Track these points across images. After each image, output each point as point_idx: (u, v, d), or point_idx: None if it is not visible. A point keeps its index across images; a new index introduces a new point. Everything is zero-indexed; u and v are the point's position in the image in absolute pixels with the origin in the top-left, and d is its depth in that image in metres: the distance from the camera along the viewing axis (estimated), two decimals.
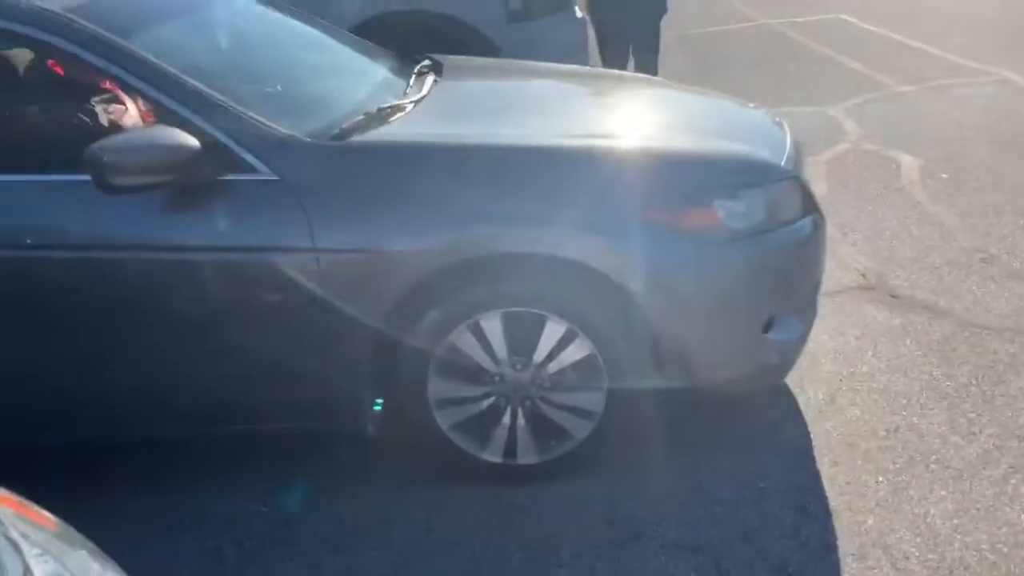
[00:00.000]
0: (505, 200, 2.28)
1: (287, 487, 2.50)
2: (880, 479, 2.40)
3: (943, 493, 2.32)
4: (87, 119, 2.60)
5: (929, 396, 2.74)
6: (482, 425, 2.40)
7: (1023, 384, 2.76)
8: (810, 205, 2.53)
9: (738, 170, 2.43)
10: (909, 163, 4.79)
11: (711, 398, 2.56)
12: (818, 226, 2.53)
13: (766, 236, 2.39)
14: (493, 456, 2.43)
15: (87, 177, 2.11)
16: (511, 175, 2.31)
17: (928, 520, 2.23)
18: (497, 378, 2.35)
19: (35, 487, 2.50)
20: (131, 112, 2.70)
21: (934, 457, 2.46)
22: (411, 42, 3.68)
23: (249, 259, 2.25)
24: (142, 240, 2.27)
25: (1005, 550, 2.12)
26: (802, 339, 2.56)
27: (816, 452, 2.53)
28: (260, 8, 3.28)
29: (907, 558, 2.12)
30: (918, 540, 2.17)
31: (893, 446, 2.52)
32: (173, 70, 2.29)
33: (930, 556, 2.12)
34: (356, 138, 2.37)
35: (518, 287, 2.31)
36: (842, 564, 2.12)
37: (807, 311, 2.59)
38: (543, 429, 2.40)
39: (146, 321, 2.30)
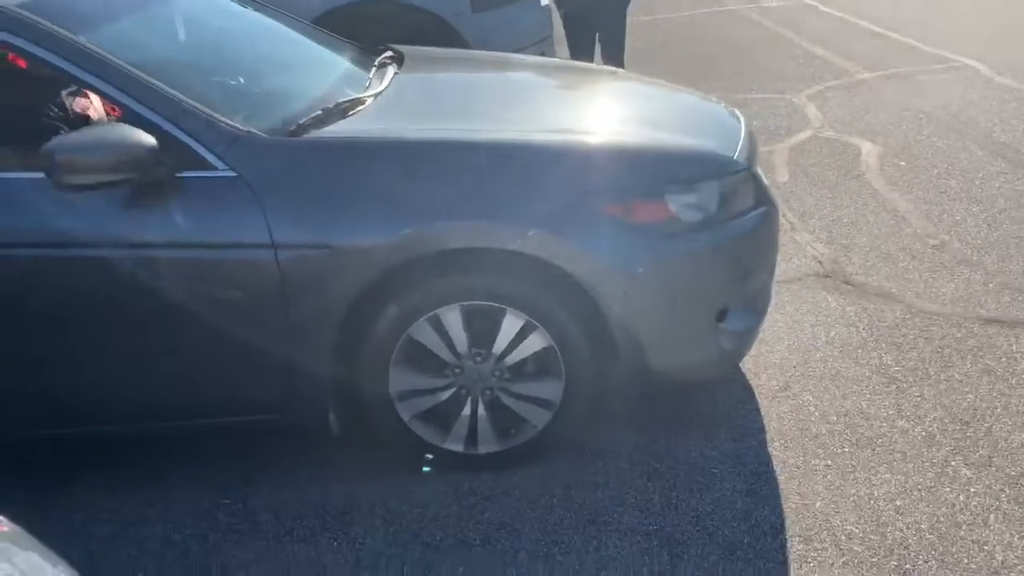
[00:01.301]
0: (460, 195, 2.31)
1: (250, 479, 2.54)
2: (828, 463, 2.48)
3: (887, 475, 2.41)
4: (45, 117, 2.59)
5: (879, 381, 2.82)
6: (443, 415, 2.45)
7: (968, 368, 2.85)
8: (763, 197, 2.59)
9: (690, 163, 2.49)
10: (868, 150, 4.88)
11: (667, 386, 2.63)
12: (771, 217, 2.60)
13: (719, 228, 2.44)
14: (455, 445, 2.48)
15: (42, 175, 2.12)
16: (466, 170, 2.35)
17: (872, 502, 2.32)
18: (457, 370, 2.40)
19: None
20: (96, 108, 2.70)
21: (880, 440, 2.55)
22: (377, 32, 3.70)
23: (208, 255, 2.27)
24: (101, 237, 2.27)
25: (943, 530, 2.21)
26: (756, 328, 2.63)
27: (769, 437, 2.60)
28: (222, 2, 3.27)
29: (850, 539, 2.20)
30: (861, 521, 2.26)
31: (842, 430, 2.60)
32: (128, 66, 2.30)
33: (872, 537, 2.20)
34: (313, 134, 2.39)
35: (476, 281, 2.36)
36: (789, 546, 2.20)
37: (761, 300, 2.66)
38: (503, 419, 2.46)
39: (106, 318, 2.32)
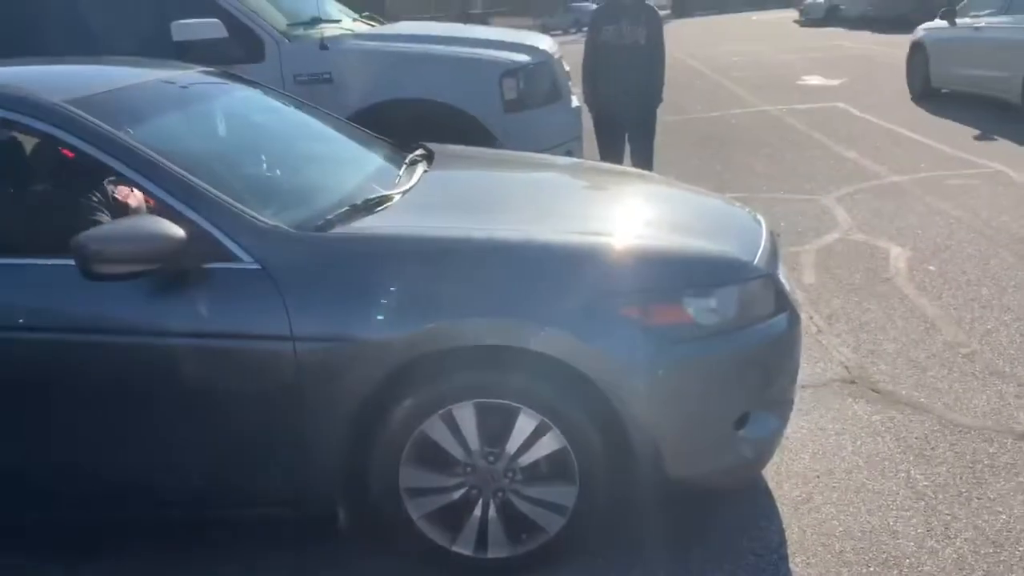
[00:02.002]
0: (479, 293, 2.33)
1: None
2: None
3: None
4: (87, 202, 2.71)
5: (906, 496, 2.73)
6: (453, 516, 2.41)
7: (1001, 486, 2.75)
8: (784, 302, 2.58)
9: (708, 268, 2.49)
10: (897, 254, 4.86)
11: (685, 494, 2.56)
12: (792, 323, 2.57)
13: (738, 333, 2.42)
14: (464, 548, 2.43)
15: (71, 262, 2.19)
16: (484, 267, 2.38)
17: None
18: (469, 469, 2.37)
19: None
20: (136, 196, 2.82)
21: (908, 561, 2.44)
22: (413, 130, 3.82)
23: (229, 346, 2.30)
24: (125, 325, 2.32)
25: None
26: (777, 435, 2.57)
27: (790, 551, 2.51)
28: (259, 97, 3.42)
29: None
30: None
31: (867, 547, 2.50)
32: (163, 160, 2.39)
33: None
34: (338, 229, 2.45)
35: (491, 379, 2.35)
36: None
37: (783, 407, 2.61)
38: (515, 522, 2.40)
39: (126, 405, 2.34)
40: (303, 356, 2.26)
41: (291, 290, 2.28)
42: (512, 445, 2.35)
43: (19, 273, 2.38)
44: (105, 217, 2.62)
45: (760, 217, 2.99)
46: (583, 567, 2.46)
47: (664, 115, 5.69)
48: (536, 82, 4.97)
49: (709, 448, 2.45)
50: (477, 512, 2.39)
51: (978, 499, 2.69)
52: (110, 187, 2.80)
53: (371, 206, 2.62)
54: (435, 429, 2.34)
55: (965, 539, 2.52)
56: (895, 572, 2.40)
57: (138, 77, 3.03)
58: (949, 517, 2.62)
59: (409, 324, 2.29)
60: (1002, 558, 2.44)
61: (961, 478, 2.80)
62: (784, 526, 2.62)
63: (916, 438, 3.04)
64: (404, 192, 2.79)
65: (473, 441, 2.35)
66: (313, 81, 4.69)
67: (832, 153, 7.48)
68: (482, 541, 2.42)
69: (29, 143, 2.95)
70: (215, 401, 2.32)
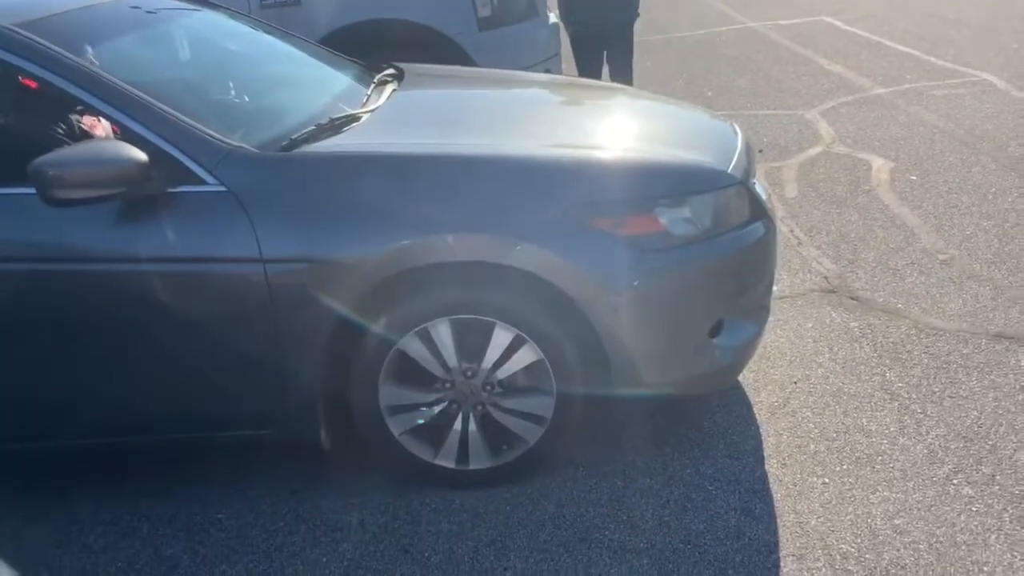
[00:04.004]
0: (449, 209, 2.31)
1: (244, 494, 2.54)
2: (826, 481, 2.43)
3: (886, 494, 2.36)
4: (52, 134, 2.64)
5: (881, 398, 2.77)
6: (434, 431, 2.44)
7: (973, 385, 2.79)
8: (759, 210, 2.57)
9: (681, 177, 2.47)
10: (880, 166, 4.83)
11: (661, 401, 2.60)
12: (767, 230, 2.57)
13: (712, 242, 2.42)
14: (446, 461, 2.47)
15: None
16: (455, 184, 2.35)
17: (869, 521, 2.26)
18: (448, 384, 2.39)
19: None
20: (103, 126, 2.75)
21: (880, 458, 2.50)
22: (383, 50, 3.73)
23: (198, 270, 2.28)
24: (92, 252, 2.29)
25: (942, 550, 2.15)
26: (753, 342, 2.59)
27: (766, 454, 2.56)
28: (222, 20, 3.32)
29: (845, 558, 2.15)
30: (857, 540, 2.20)
31: (841, 447, 2.55)
32: (120, 83, 2.33)
33: (868, 556, 2.15)
34: (304, 149, 2.41)
35: (465, 295, 2.35)
36: (782, 565, 2.15)
37: (759, 313, 2.62)
38: (495, 434, 2.44)
39: (96, 332, 2.34)
40: (274, 278, 2.25)
41: (258, 212, 2.25)
42: (489, 359, 2.36)
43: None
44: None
45: (736, 126, 2.95)
46: (562, 475, 2.51)
47: (648, 35, 5.61)
48: None
49: (684, 355, 2.46)
50: (457, 426, 2.42)
51: (950, 398, 2.74)
52: (75, 117, 2.73)
53: (338, 126, 2.57)
54: (412, 347, 2.35)
55: (936, 436, 2.57)
56: (867, 469, 2.46)
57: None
58: (921, 415, 2.67)
59: (380, 242, 2.27)
60: (971, 451, 2.49)
61: (935, 378, 2.85)
62: (760, 431, 2.66)
63: (892, 342, 3.07)
64: (372, 111, 2.74)
65: (451, 357, 2.36)
66: (280, 4, 4.56)
67: (817, 68, 7.37)
68: (463, 454, 2.46)
69: None
70: (187, 326, 2.31)
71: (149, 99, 2.33)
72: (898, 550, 2.16)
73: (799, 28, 9.28)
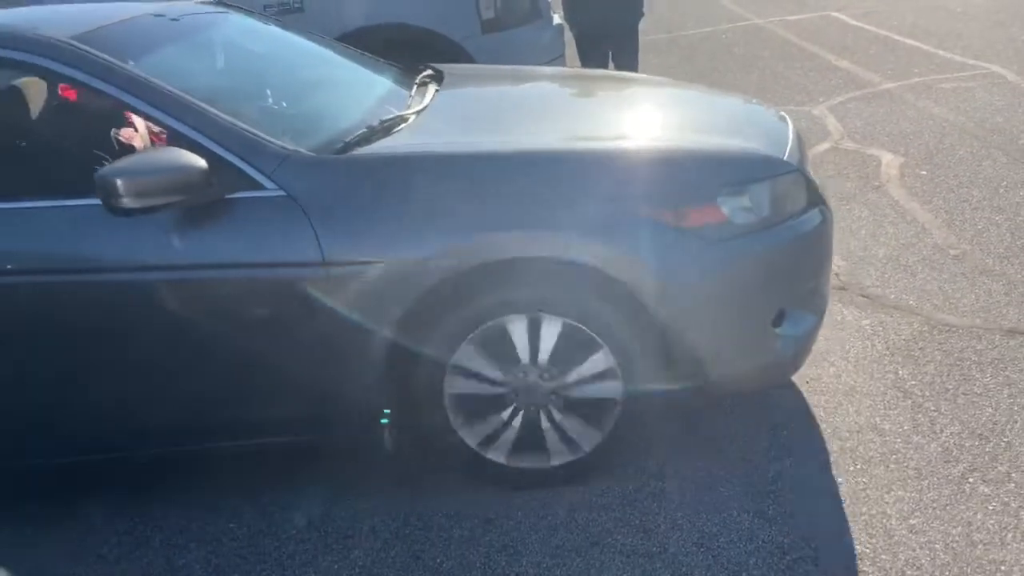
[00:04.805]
0: (513, 205, 2.28)
1: (256, 501, 2.54)
2: (840, 480, 2.41)
3: (901, 493, 2.33)
4: (98, 144, 2.68)
5: (894, 396, 2.75)
6: (492, 426, 2.42)
7: (988, 381, 2.76)
8: (816, 197, 2.54)
9: (740, 166, 2.43)
10: (889, 161, 4.79)
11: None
12: (825, 218, 2.53)
13: (772, 230, 2.38)
14: (498, 456, 2.45)
15: (97, 201, 2.17)
16: (518, 181, 2.32)
17: (884, 520, 2.24)
18: (513, 380, 2.37)
19: (8, 499, 2.57)
20: (141, 137, 2.79)
21: (894, 457, 2.47)
22: (391, 55, 3.73)
23: (259, 275, 2.28)
24: (150, 261, 2.29)
25: (958, 549, 2.13)
26: (813, 332, 2.53)
27: (778, 455, 2.54)
28: (259, 26, 3.31)
29: (861, 559, 2.13)
30: (873, 541, 2.18)
31: (855, 447, 2.53)
32: (177, 91, 2.34)
33: (883, 557, 2.13)
34: (360, 151, 2.41)
35: (538, 293, 2.33)
36: (796, 567, 2.13)
37: (818, 303, 2.57)
38: (552, 435, 2.42)
39: (160, 341, 2.34)
40: (336, 281, 2.24)
41: (319, 215, 2.24)
42: (560, 361, 2.35)
43: (40, 216, 2.33)
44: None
45: (785, 114, 2.93)
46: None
47: (653, 33, 5.59)
48: (514, 0, 4.84)
49: (749, 348, 2.42)
50: (516, 423, 2.41)
51: (964, 395, 2.71)
52: (113, 130, 2.76)
53: (389, 127, 2.56)
54: (483, 341, 2.33)
55: (951, 434, 2.54)
56: (881, 469, 2.44)
57: (130, 11, 2.90)
58: (935, 413, 2.64)
59: (445, 241, 2.25)
60: (986, 449, 2.46)
61: (948, 375, 2.82)
62: (772, 432, 2.64)
63: (904, 339, 3.04)
64: (420, 112, 2.72)
65: (522, 354, 2.34)
66: (283, 11, 4.57)
67: (824, 63, 7.33)
68: (517, 451, 2.44)
69: (34, 86, 2.90)
70: (248, 332, 2.31)
71: (205, 106, 2.34)
72: (914, 550, 2.14)
73: (806, 24, 9.23)
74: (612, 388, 2.36)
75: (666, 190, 2.33)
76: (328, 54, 3.32)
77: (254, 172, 2.27)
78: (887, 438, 2.55)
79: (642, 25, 5.27)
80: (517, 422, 2.41)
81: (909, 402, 2.71)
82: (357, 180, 2.32)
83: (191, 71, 2.69)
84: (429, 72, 3.20)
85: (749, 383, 2.52)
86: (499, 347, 2.33)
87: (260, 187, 2.27)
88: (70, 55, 2.35)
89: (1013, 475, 2.35)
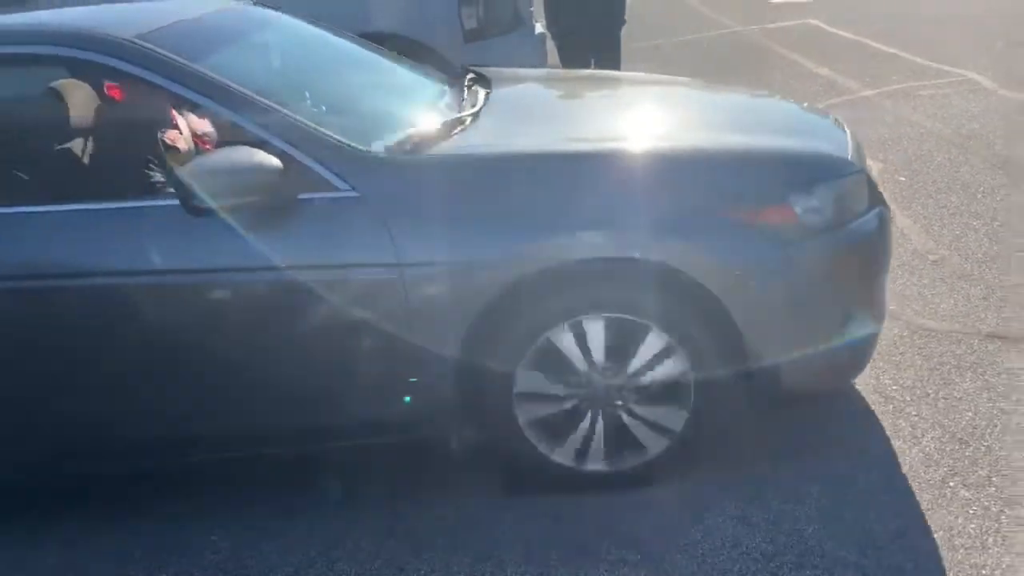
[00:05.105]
0: (589, 204, 2.27)
1: (239, 514, 2.52)
2: (822, 487, 2.42)
3: (883, 499, 2.35)
4: (161, 145, 2.64)
5: (875, 401, 2.76)
6: (559, 426, 2.40)
7: (967, 386, 2.79)
8: (876, 197, 2.55)
9: (810, 166, 2.44)
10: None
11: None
12: (885, 218, 2.54)
13: (840, 231, 2.37)
14: (564, 459, 2.43)
15: (167, 202, 2.18)
16: (593, 180, 2.31)
17: (867, 525, 2.25)
18: (585, 381, 2.36)
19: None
20: (184, 139, 2.76)
21: (876, 463, 2.48)
22: None
23: (334, 277, 2.26)
24: (225, 263, 2.27)
25: (940, 554, 2.14)
26: (876, 335, 2.51)
27: (760, 461, 2.55)
28: (299, 24, 3.25)
29: (844, 565, 2.14)
30: (855, 546, 2.19)
31: (837, 453, 2.54)
32: (247, 91, 2.33)
33: (865, 562, 2.14)
34: (432, 152, 2.40)
35: (616, 293, 2.31)
36: (780, 573, 2.14)
37: (880, 304, 2.56)
38: (619, 439, 2.41)
39: (234, 342, 2.32)
40: (412, 282, 2.22)
41: (394, 216, 2.23)
42: (636, 363, 2.34)
43: (114, 217, 2.31)
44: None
45: (839, 118, 2.94)
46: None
47: (634, 41, 5.60)
48: (496, 9, 4.85)
49: (822, 353, 2.39)
50: (585, 424, 2.39)
51: (944, 399, 2.74)
52: (159, 131, 2.75)
53: (451, 128, 2.55)
54: (561, 338, 2.31)
55: (932, 438, 2.56)
56: (864, 474, 2.45)
57: (183, 12, 2.85)
58: (916, 418, 2.66)
59: (522, 240, 2.25)
60: (967, 454, 2.48)
61: (928, 380, 2.84)
62: (753, 438, 2.64)
63: (884, 344, 3.05)
64: (478, 113, 2.70)
65: (597, 353, 2.33)
66: None
67: (804, 71, 7.39)
68: (583, 453, 2.43)
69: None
70: (321, 334, 2.29)
71: (275, 105, 2.32)
72: (896, 555, 2.15)
73: (786, 31, 9.31)
74: (683, 399, 2.35)
75: (742, 189, 2.33)
76: (367, 54, 3.28)
77: (326, 173, 2.25)
78: (869, 443, 2.57)
79: (624, 32, 5.30)
80: (599, 427, 2.39)
81: (891, 407, 2.73)
82: (434, 181, 2.32)
83: (252, 71, 2.65)
84: (474, 75, 3.19)
85: (819, 388, 2.52)
86: (582, 344, 2.30)
87: (333, 188, 2.25)
88: (137, 54, 2.34)
89: (993, 479, 2.37)
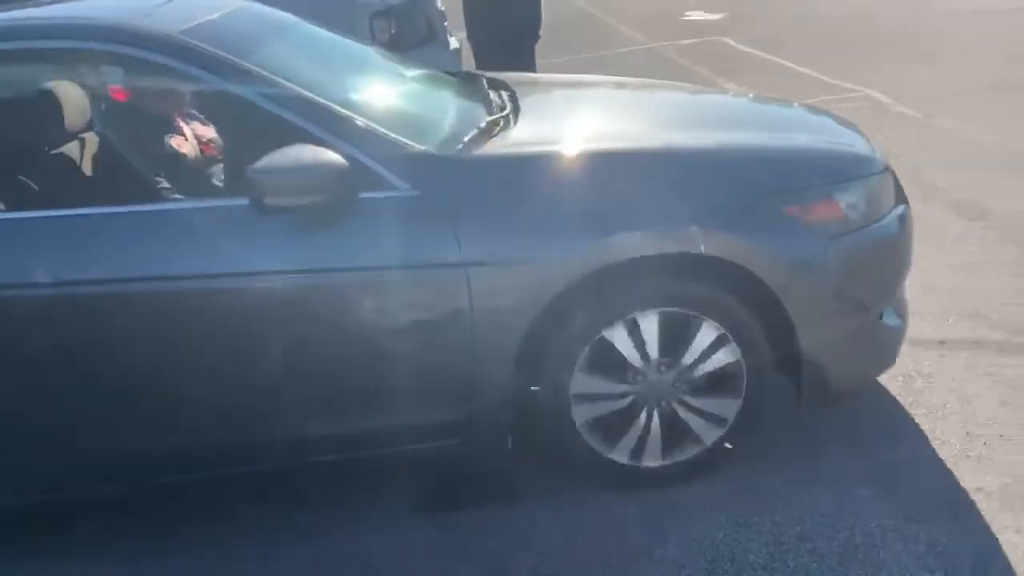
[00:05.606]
0: (650, 201, 2.30)
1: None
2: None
3: (792, 500, 2.40)
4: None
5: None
6: (615, 424, 2.40)
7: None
8: (901, 195, 2.64)
9: (846, 163, 2.53)
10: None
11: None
12: (908, 216, 2.62)
13: (874, 226, 2.45)
14: (620, 456, 2.44)
15: (225, 203, 2.23)
16: (651, 177, 2.34)
17: (774, 528, 2.30)
18: (640, 377, 2.35)
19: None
20: (190, 146, 2.77)
21: (784, 469, 2.54)
22: None
23: (395, 277, 2.21)
24: (286, 264, 2.21)
25: (844, 553, 2.20)
26: (905, 327, 2.62)
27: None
28: (311, 28, 3.14)
29: (754, 569, 2.18)
30: (764, 550, 2.24)
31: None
32: (301, 89, 2.27)
33: (775, 565, 2.19)
34: (486, 150, 2.37)
35: (672, 288, 2.34)
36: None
37: (904, 301, 2.67)
38: (673, 432, 2.42)
39: (296, 343, 2.24)
40: (475, 281, 2.19)
41: (458, 214, 2.20)
42: (690, 356, 2.34)
43: (168, 218, 2.24)
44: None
45: (850, 120, 3.02)
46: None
47: (551, 56, 5.65)
48: (409, 22, 4.83)
49: (863, 346, 2.51)
50: (641, 420, 2.39)
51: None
52: (165, 136, 2.68)
53: (494, 128, 2.53)
54: (616, 336, 2.30)
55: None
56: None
57: (215, 8, 2.72)
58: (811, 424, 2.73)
59: (583, 238, 2.25)
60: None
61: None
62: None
63: None
64: (515, 113, 2.69)
65: (652, 349, 2.33)
66: None
67: (714, 87, 7.59)
68: (639, 450, 2.42)
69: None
70: (382, 335, 2.24)
71: (331, 104, 2.27)
72: (803, 557, 2.20)
73: (697, 48, 9.57)
74: (736, 388, 2.39)
75: (791, 185, 2.39)
76: (379, 57, 3.26)
77: (385, 172, 2.22)
78: (782, 449, 2.62)
79: (539, 47, 5.35)
80: (642, 418, 2.39)
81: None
82: (493, 179, 2.29)
83: (298, 70, 2.56)
84: (489, 77, 3.19)
85: (857, 382, 2.62)
86: (637, 340, 2.32)
87: (393, 187, 2.21)
88: (190, 53, 2.25)
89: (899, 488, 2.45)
